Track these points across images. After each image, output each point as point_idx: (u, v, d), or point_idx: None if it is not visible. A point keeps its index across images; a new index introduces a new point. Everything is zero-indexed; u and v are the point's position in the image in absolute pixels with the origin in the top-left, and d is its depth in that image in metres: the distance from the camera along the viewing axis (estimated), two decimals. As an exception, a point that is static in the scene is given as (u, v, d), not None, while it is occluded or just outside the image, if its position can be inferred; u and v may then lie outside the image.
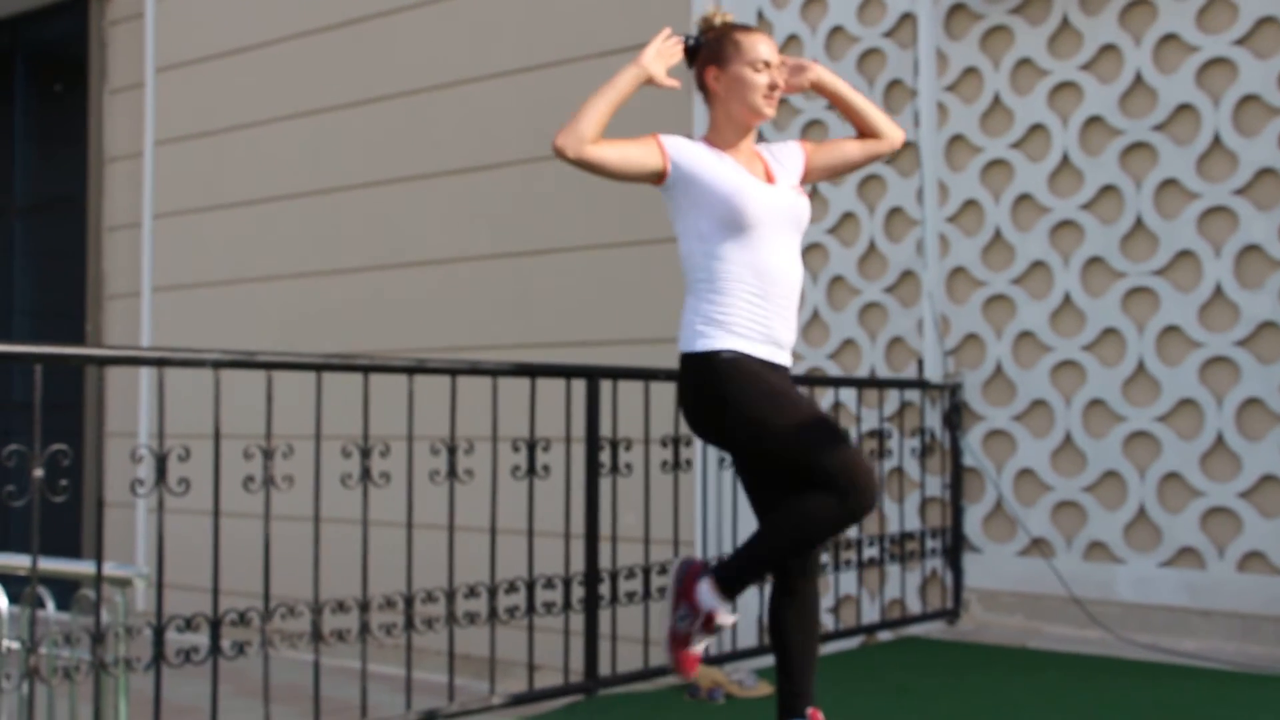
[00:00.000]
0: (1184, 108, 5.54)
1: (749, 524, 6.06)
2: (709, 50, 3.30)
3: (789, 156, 3.39)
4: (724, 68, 3.26)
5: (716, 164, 3.19)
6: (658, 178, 3.20)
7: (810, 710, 3.25)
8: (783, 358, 3.21)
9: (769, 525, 3.19)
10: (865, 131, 3.53)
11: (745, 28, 3.34)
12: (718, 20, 3.34)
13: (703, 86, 3.32)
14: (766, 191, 3.19)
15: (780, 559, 3.18)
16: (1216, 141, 5.46)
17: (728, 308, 3.14)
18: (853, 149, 3.52)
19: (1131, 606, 5.56)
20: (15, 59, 10.28)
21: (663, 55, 3.27)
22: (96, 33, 9.34)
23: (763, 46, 3.27)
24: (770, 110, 3.26)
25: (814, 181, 3.54)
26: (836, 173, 3.55)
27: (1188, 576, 5.46)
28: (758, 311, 3.15)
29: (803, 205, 3.27)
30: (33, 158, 10.28)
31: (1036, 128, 5.88)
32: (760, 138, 3.85)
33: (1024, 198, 5.91)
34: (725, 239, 3.14)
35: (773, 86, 3.25)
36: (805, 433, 3.07)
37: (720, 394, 3.11)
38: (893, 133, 3.54)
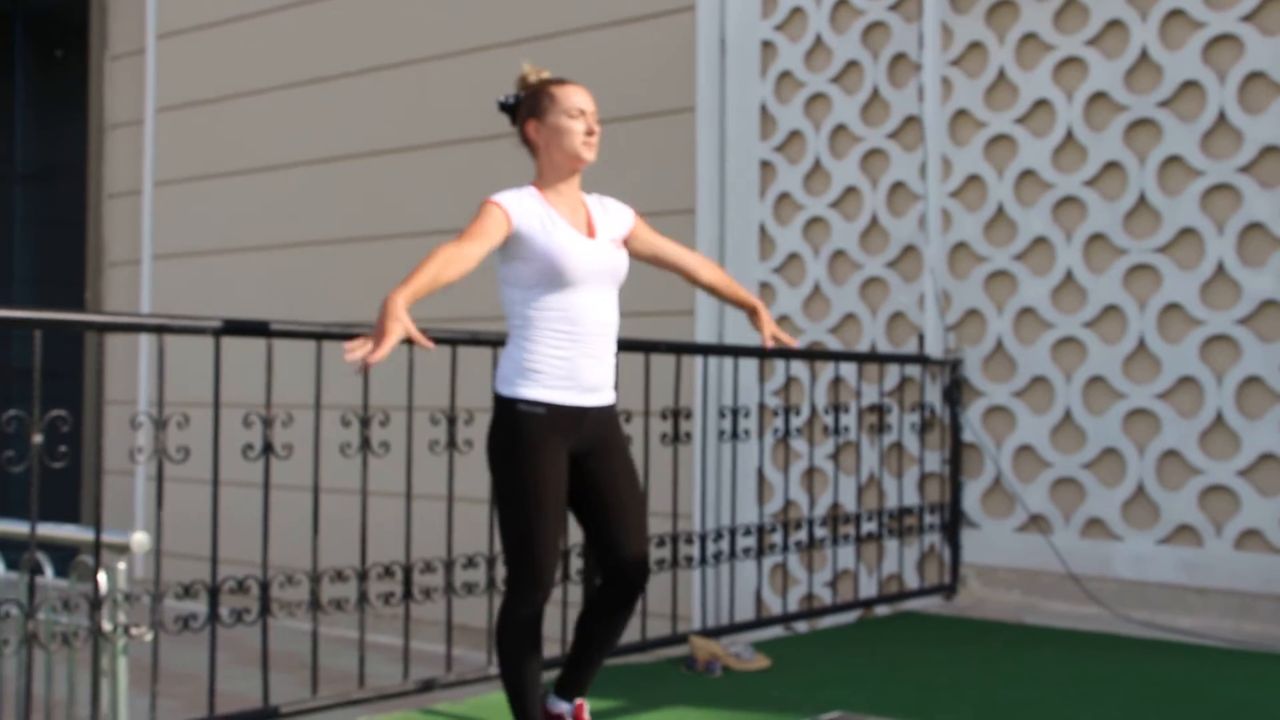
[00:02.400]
0: (1189, 84, 5.52)
1: (747, 497, 6.08)
2: (527, 105, 3.45)
3: (618, 213, 3.53)
4: (542, 119, 3.41)
5: (544, 221, 3.34)
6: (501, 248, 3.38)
7: (579, 701, 3.54)
8: (593, 399, 3.37)
9: (498, 654, 3.41)
10: (715, 283, 3.75)
11: (560, 81, 3.47)
12: (533, 77, 3.48)
13: (525, 140, 3.47)
14: (586, 248, 3.35)
15: (519, 675, 3.37)
16: (1221, 118, 5.44)
17: (538, 356, 3.31)
18: (669, 257, 3.67)
19: (1129, 583, 5.57)
20: (16, 24, 10.24)
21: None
22: (97, -1, 9.31)
23: (577, 96, 3.42)
24: (589, 155, 3.41)
25: (636, 255, 3.62)
26: (644, 260, 3.66)
27: (1185, 554, 5.46)
28: (568, 358, 3.32)
29: (620, 260, 3.44)
30: (33, 124, 10.25)
31: (1041, 103, 5.86)
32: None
33: (1027, 173, 5.89)
34: (543, 290, 3.32)
35: (589, 132, 3.40)
36: (530, 534, 3.29)
37: (506, 443, 3.33)
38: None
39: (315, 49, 8.15)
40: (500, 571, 4.43)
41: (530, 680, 3.37)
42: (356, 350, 2.99)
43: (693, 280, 3.73)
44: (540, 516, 3.30)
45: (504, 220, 3.32)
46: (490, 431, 3.39)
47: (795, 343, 3.81)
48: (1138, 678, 4.51)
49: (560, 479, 3.33)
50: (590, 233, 3.42)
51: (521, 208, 3.34)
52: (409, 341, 3.08)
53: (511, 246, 3.35)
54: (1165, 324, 5.56)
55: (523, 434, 3.29)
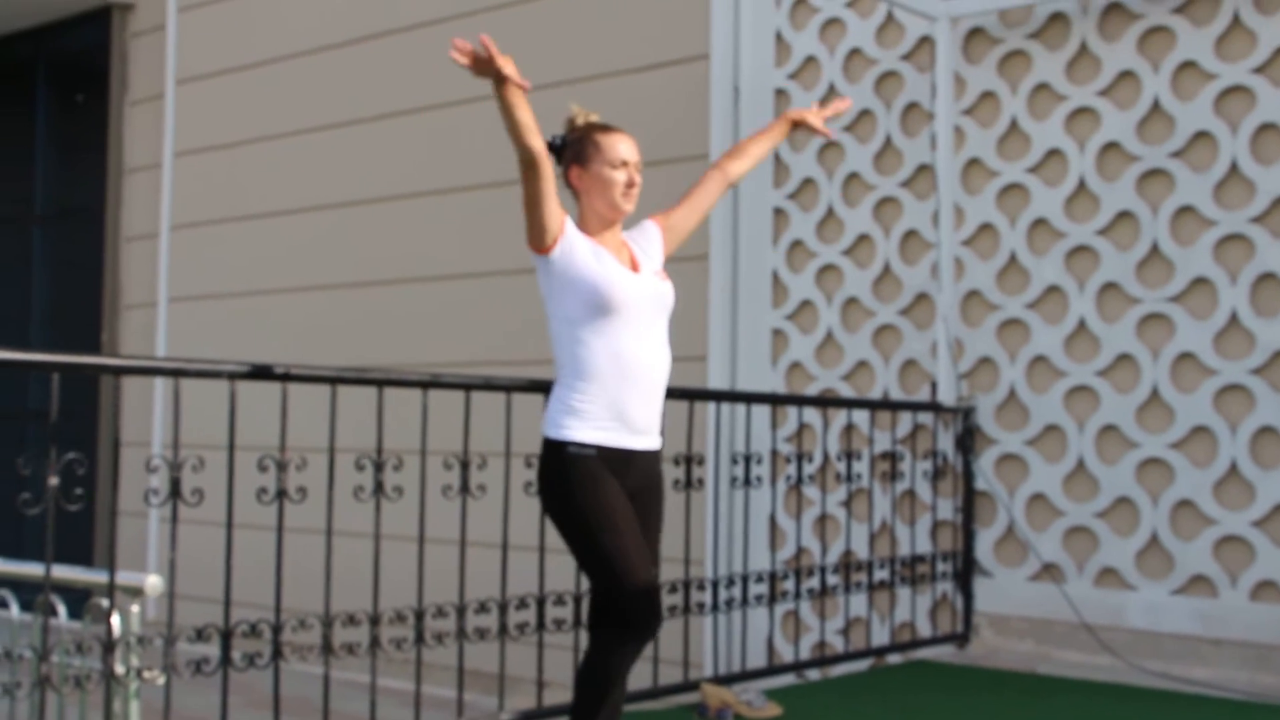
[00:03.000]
0: (1201, 135, 5.54)
1: (760, 543, 6.07)
2: (572, 150, 3.49)
3: (649, 242, 3.57)
4: (586, 167, 3.45)
5: (590, 253, 3.35)
6: (545, 244, 3.35)
7: None
8: (641, 443, 3.37)
9: (577, 680, 3.38)
10: (747, 155, 3.80)
11: (606, 128, 3.49)
12: (580, 120, 3.53)
13: (569, 183, 3.49)
14: (633, 280, 3.38)
15: (596, 705, 3.33)
16: (1234, 169, 5.46)
17: (588, 396, 3.31)
18: (702, 201, 3.73)
19: (1142, 634, 5.54)
20: (38, 69, 10.34)
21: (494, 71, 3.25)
22: (118, 44, 9.41)
23: (622, 146, 3.45)
24: (629, 206, 3.44)
25: (683, 239, 3.69)
26: (703, 214, 3.73)
27: (1200, 604, 5.44)
28: (616, 399, 3.31)
29: (667, 290, 3.47)
30: (53, 167, 10.34)
31: (1053, 152, 5.89)
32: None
33: (1040, 222, 5.91)
34: (591, 324, 3.32)
35: (630, 184, 3.43)
36: (615, 556, 3.26)
37: (560, 486, 3.31)
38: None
39: (332, 94, 8.22)
40: (515, 617, 4.44)
41: (617, 707, 3.32)
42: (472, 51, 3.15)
43: (733, 177, 3.75)
44: (620, 532, 3.25)
45: (562, 220, 3.33)
46: (541, 476, 3.38)
47: (848, 102, 3.87)
48: (1152, 729, 4.49)
49: (626, 502, 3.29)
50: (634, 268, 3.44)
51: (575, 234, 3.37)
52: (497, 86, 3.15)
53: (560, 271, 3.33)
54: (1178, 373, 5.56)
55: (575, 474, 3.27)
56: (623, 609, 3.26)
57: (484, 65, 3.17)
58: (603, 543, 3.26)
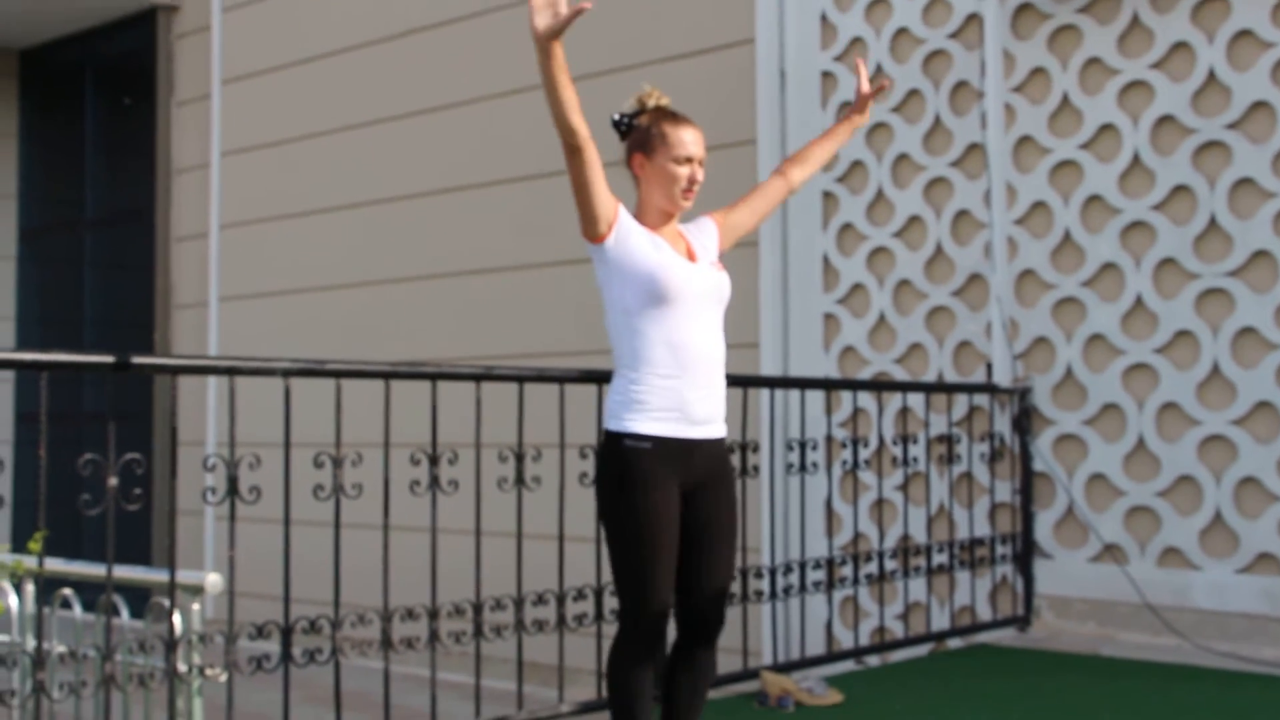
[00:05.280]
0: (1259, 105, 5.44)
1: (816, 530, 6.03)
2: (638, 136, 3.41)
3: (706, 235, 3.52)
4: (650, 157, 3.37)
5: (647, 241, 3.30)
6: (598, 233, 3.29)
7: None
8: (703, 432, 3.32)
9: (608, 689, 3.37)
10: (810, 160, 3.75)
11: (675, 117, 3.40)
12: (652, 102, 3.43)
13: (630, 168, 3.43)
14: (689, 269, 3.33)
15: (630, 710, 3.32)
16: (1292, 139, 5.36)
17: (645, 387, 3.27)
18: (762, 204, 3.68)
19: (1208, 614, 5.46)
20: (85, 73, 10.43)
21: (540, 10, 3.13)
22: (164, 46, 9.47)
23: (690, 140, 3.36)
24: (687, 203, 3.38)
25: (738, 238, 3.64)
26: (762, 217, 3.70)
27: (1267, 583, 5.35)
28: (674, 389, 3.27)
29: (724, 281, 3.42)
30: (102, 171, 10.42)
31: (1106, 128, 5.80)
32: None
33: (1094, 199, 5.83)
34: (647, 314, 3.27)
35: (692, 181, 3.36)
36: (643, 576, 3.25)
37: (615, 480, 3.27)
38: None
39: (378, 89, 8.23)
40: (572, 608, 4.44)
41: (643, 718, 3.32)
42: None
43: (799, 181, 3.70)
44: (654, 553, 3.24)
45: (615, 207, 3.27)
46: (598, 467, 3.36)
47: (889, 82, 3.87)
48: (1220, 710, 4.42)
49: (673, 513, 3.26)
50: (692, 259, 3.40)
51: (630, 221, 3.31)
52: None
53: (615, 259, 3.29)
54: (1239, 348, 5.47)
55: (632, 470, 3.23)
56: (633, 629, 3.29)
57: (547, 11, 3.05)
58: (638, 557, 3.25)
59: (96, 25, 10.03)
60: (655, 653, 3.33)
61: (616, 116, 3.44)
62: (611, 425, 3.30)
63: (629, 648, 3.30)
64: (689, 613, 3.38)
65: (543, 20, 3.07)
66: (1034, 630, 5.86)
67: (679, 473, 3.28)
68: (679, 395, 3.27)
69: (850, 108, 3.80)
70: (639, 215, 3.40)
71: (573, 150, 3.20)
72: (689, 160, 3.35)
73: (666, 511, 3.26)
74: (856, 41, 6.50)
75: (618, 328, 3.33)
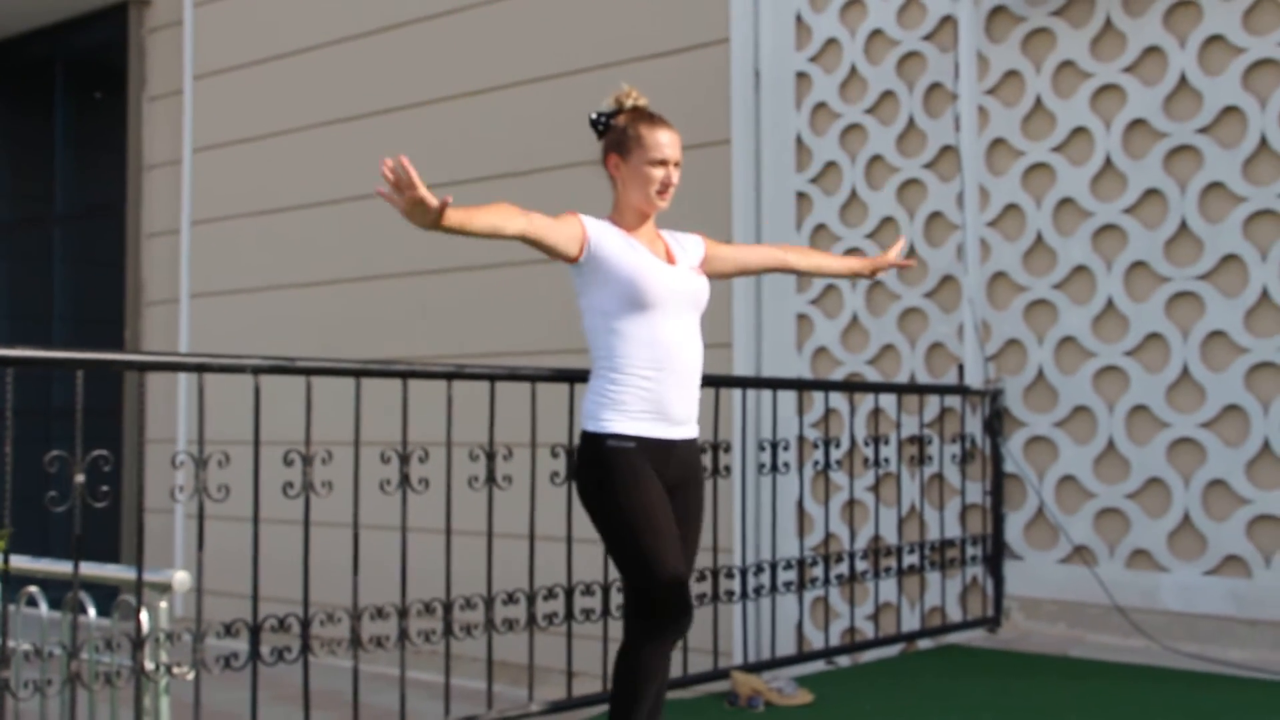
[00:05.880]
0: (1230, 110, 5.47)
1: (788, 530, 6.04)
2: (614, 136, 3.40)
3: (691, 243, 3.54)
4: (625, 158, 3.37)
5: (623, 246, 3.31)
6: (572, 257, 3.29)
7: None
8: (680, 433, 3.34)
9: (615, 675, 3.34)
10: (812, 260, 3.88)
11: (651, 118, 3.40)
12: (629, 103, 3.43)
13: (606, 168, 3.43)
14: (667, 272, 3.34)
15: (643, 691, 3.29)
16: (1263, 144, 5.39)
17: (624, 387, 3.27)
18: (753, 261, 3.75)
19: (1176, 615, 5.49)
20: (55, 67, 10.36)
21: (412, 214, 3.02)
22: (135, 40, 9.41)
23: (665, 142, 3.36)
24: (662, 204, 3.38)
25: (714, 274, 3.63)
26: (730, 276, 3.72)
27: (1234, 585, 5.38)
28: (653, 390, 3.28)
29: (702, 286, 3.43)
30: (72, 165, 10.35)
31: (1079, 131, 5.83)
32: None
33: (1066, 202, 5.85)
34: (626, 316, 3.28)
35: (665, 184, 3.36)
36: (652, 557, 3.23)
37: (599, 481, 3.27)
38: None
39: (352, 86, 8.20)
40: (543, 607, 4.42)
41: (656, 705, 3.30)
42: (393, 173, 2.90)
43: (792, 271, 3.77)
44: (655, 532, 3.22)
45: (579, 231, 3.25)
46: (579, 470, 3.34)
47: (908, 259, 3.86)
48: (1187, 711, 4.44)
49: (662, 495, 3.26)
50: (670, 261, 3.41)
51: (599, 230, 3.30)
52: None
53: (591, 270, 3.29)
54: (1209, 352, 5.50)
55: (615, 468, 3.23)
56: (656, 607, 3.23)
57: (411, 201, 2.93)
58: (641, 543, 3.23)
59: (67, 18, 9.96)
60: (682, 627, 3.26)
61: (594, 116, 3.44)
62: (590, 426, 3.29)
63: (648, 642, 3.23)
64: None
65: (419, 219, 2.98)
66: (1004, 631, 5.88)
67: (658, 472, 3.28)
68: (658, 395, 3.28)
69: (866, 257, 3.82)
70: (615, 215, 3.41)
71: (529, 242, 3.21)
72: (663, 163, 3.35)
73: (657, 496, 3.26)
74: (831, 43, 6.50)
75: (595, 329, 3.33)
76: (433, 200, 2.91)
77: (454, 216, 3.00)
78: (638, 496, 3.23)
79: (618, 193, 3.41)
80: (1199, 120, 5.53)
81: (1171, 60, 5.60)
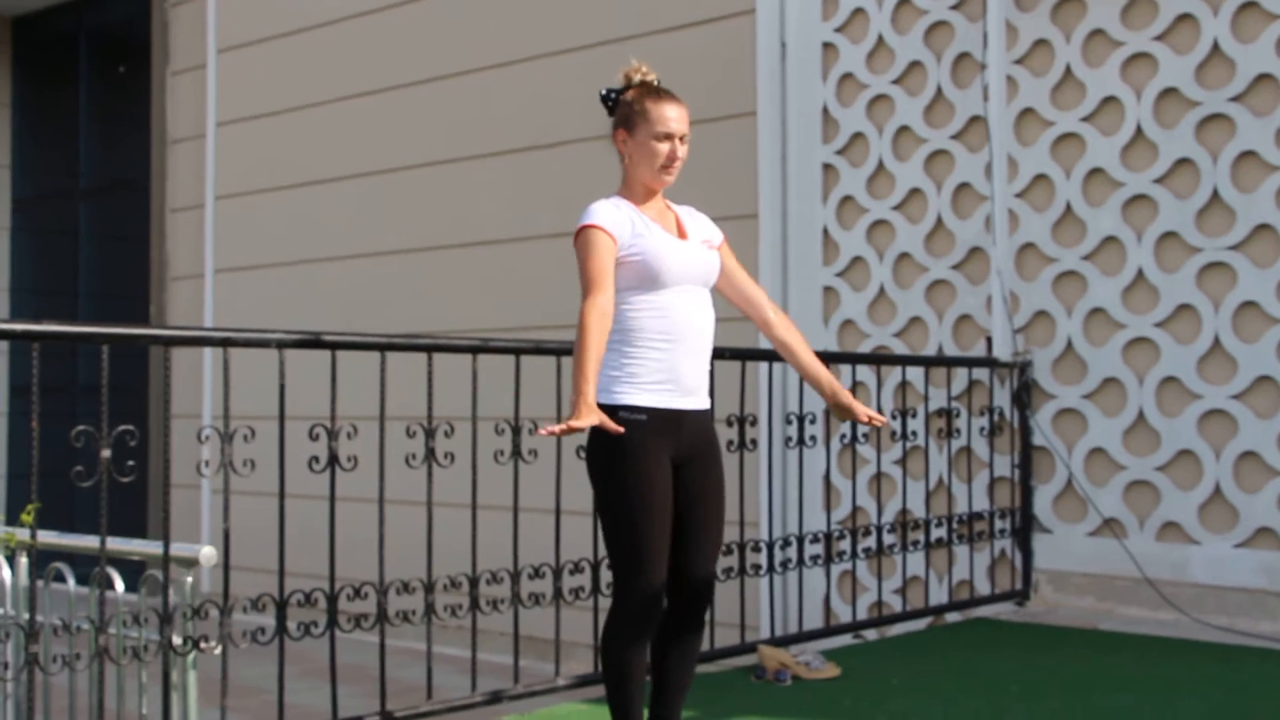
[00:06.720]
0: (1263, 77, 5.40)
1: (815, 504, 6.01)
2: (621, 112, 3.41)
3: (706, 224, 3.51)
4: (631, 133, 3.38)
5: (635, 225, 3.32)
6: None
7: None
8: (691, 403, 3.35)
9: (603, 664, 3.37)
10: (795, 345, 3.61)
11: (658, 93, 3.40)
12: (637, 78, 3.43)
13: (615, 144, 3.43)
14: (680, 248, 3.34)
15: (626, 688, 3.32)
16: (1296, 112, 5.32)
17: (636, 360, 3.29)
18: (744, 291, 3.58)
19: (1207, 588, 5.45)
20: (79, 42, 10.36)
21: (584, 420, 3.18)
22: (159, 15, 9.39)
23: (671, 116, 3.35)
24: (669, 178, 3.37)
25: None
26: (729, 287, 3.60)
27: (1265, 557, 5.34)
28: (665, 360, 3.29)
29: (713, 260, 3.43)
30: (97, 141, 10.36)
31: (1109, 100, 5.76)
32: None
33: (1095, 172, 5.79)
34: (639, 292, 3.30)
35: (671, 158, 3.35)
36: (638, 548, 3.25)
37: (608, 452, 3.28)
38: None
39: (375, 60, 8.17)
40: (569, 582, 4.42)
41: (636, 694, 3.31)
42: (554, 430, 3.13)
43: (765, 330, 3.58)
44: (648, 522, 3.25)
45: (613, 244, 3.28)
46: (590, 440, 3.35)
47: (885, 421, 3.71)
48: (1217, 684, 4.41)
49: (666, 482, 3.28)
50: (681, 235, 3.41)
51: (617, 219, 3.31)
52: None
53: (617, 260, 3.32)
54: (1241, 323, 5.44)
55: (625, 441, 3.24)
56: (630, 602, 3.28)
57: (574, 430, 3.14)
58: (634, 531, 3.26)
59: (91, -7, 9.96)
60: (651, 627, 3.33)
61: (604, 91, 3.45)
62: (604, 399, 3.29)
63: (624, 623, 3.30)
64: (678, 587, 3.37)
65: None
66: (1032, 605, 5.85)
67: (670, 445, 3.30)
68: (670, 365, 3.30)
69: (839, 396, 3.62)
70: (625, 190, 3.41)
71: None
72: (669, 137, 3.35)
73: (661, 484, 3.28)
74: (858, 13, 6.44)
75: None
76: (586, 419, 3.12)
77: (589, 390, 3.14)
78: (642, 475, 3.25)
79: (626, 169, 3.41)
80: (1231, 89, 5.46)
81: (1204, 28, 5.52)
